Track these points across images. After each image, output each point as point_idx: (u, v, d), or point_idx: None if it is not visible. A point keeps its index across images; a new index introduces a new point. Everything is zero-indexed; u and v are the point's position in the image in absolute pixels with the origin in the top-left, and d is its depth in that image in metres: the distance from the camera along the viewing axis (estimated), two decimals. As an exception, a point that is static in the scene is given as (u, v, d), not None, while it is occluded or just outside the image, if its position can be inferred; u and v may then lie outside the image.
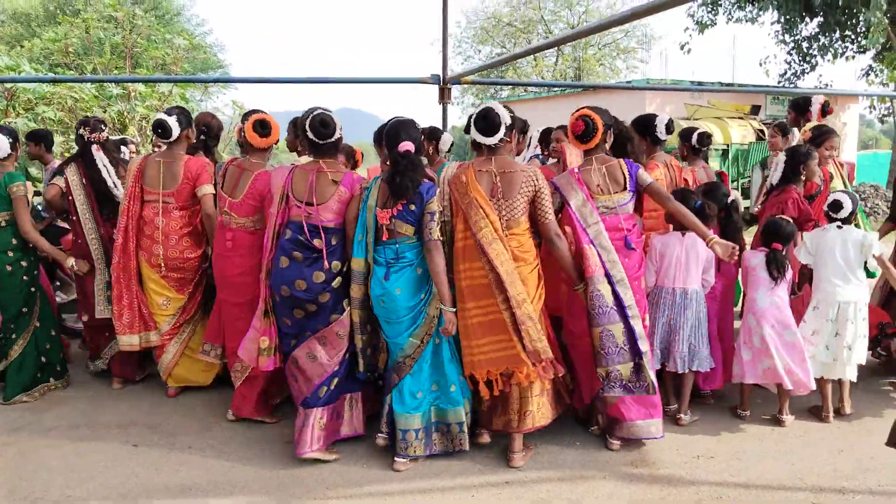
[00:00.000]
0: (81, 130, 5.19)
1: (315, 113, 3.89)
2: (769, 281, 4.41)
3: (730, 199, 4.69)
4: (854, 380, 4.51)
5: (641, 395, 3.97)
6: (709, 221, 4.35)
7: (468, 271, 3.81)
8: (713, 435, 4.27)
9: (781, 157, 5.01)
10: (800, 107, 5.73)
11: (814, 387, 4.36)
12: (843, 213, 4.48)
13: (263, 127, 4.39)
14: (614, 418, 4.07)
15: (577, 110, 4.12)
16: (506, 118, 3.83)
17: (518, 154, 4.96)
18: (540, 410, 3.92)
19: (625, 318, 3.89)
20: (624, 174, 4.04)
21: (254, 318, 4.09)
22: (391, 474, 3.80)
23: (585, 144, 4.08)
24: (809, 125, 5.60)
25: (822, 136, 5.28)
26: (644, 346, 3.91)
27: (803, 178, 4.95)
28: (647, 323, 4.10)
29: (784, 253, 4.41)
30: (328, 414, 3.93)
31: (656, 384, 3.97)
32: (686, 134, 5.35)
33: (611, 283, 3.90)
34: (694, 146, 5.25)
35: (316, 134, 3.84)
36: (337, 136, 3.91)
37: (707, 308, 4.46)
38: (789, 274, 4.47)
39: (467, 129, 4.06)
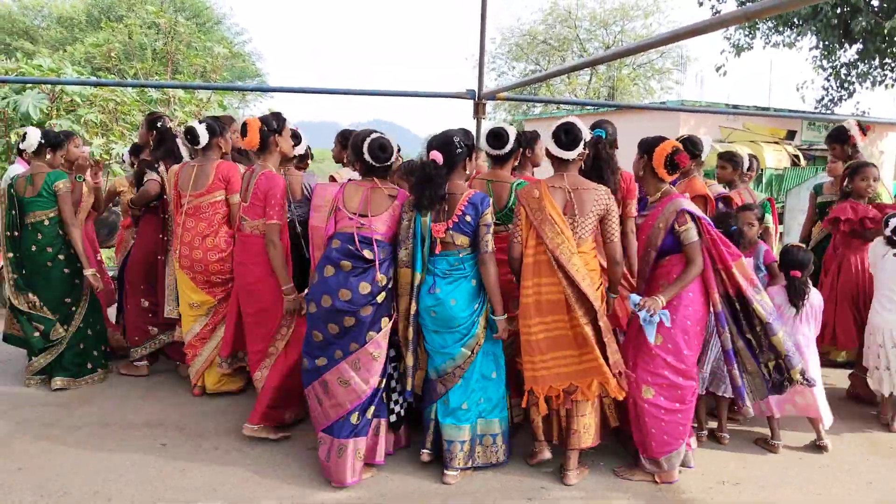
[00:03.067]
0: (165, 123, 5.41)
1: (373, 137, 3.88)
2: (792, 319, 4.27)
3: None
4: None
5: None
6: (741, 245, 4.40)
7: (537, 286, 3.78)
8: (739, 461, 4.23)
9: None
10: (838, 137, 5.67)
11: (824, 416, 4.31)
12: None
13: (242, 130, 4.32)
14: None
15: (661, 140, 3.95)
16: (586, 134, 3.86)
17: (536, 166, 4.97)
18: (587, 432, 3.90)
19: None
20: None
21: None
22: (412, 484, 3.82)
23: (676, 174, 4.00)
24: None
25: None
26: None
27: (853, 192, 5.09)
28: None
29: (804, 280, 4.29)
30: (366, 444, 3.82)
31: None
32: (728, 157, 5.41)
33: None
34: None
35: (374, 158, 3.85)
36: (393, 159, 3.94)
37: None
38: (813, 309, 4.33)
39: (497, 146, 4.19)
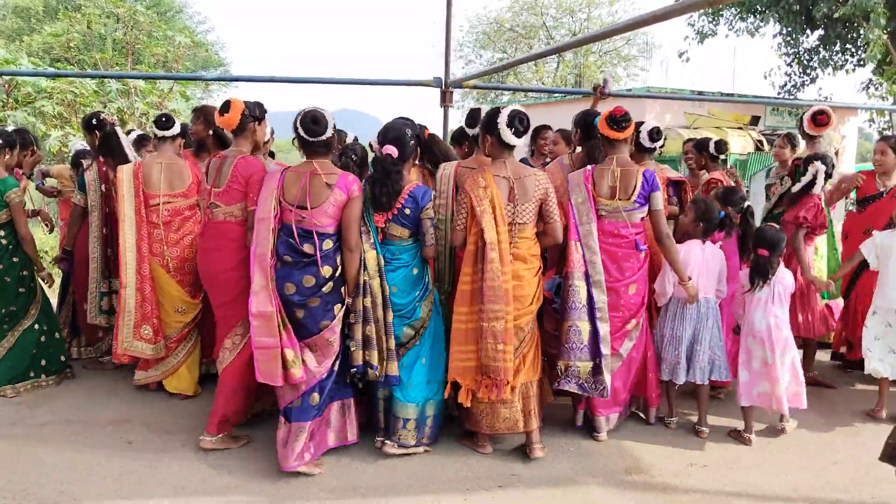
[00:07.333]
0: (103, 117, 5.29)
1: (306, 110, 3.76)
2: (764, 300, 4.26)
3: (746, 204, 4.67)
4: None
5: (595, 396, 4.11)
6: (730, 230, 4.48)
7: (474, 275, 3.82)
8: (707, 444, 4.27)
9: (819, 166, 4.98)
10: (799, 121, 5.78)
11: (804, 405, 4.31)
12: None
13: (222, 108, 4.15)
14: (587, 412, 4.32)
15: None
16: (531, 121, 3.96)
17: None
18: (540, 411, 4.05)
19: (592, 318, 4.06)
20: (637, 184, 4.08)
21: (261, 334, 3.69)
22: (385, 475, 3.80)
23: (622, 133, 4.12)
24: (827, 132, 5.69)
25: None
26: (605, 349, 4.07)
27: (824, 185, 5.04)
28: (666, 332, 4.34)
29: (775, 262, 4.25)
30: (315, 426, 3.83)
31: (609, 388, 4.08)
32: (703, 144, 5.42)
33: (588, 282, 4.06)
34: (712, 154, 5.34)
35: (307, 131, 3.71)
36: (329, 133, 3.75)
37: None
38: (785, 290, 4.31)
39: (470, 124, 4.14)
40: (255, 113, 4.15)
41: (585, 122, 4.60)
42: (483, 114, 4.17)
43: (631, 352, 4.29)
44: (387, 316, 3.81)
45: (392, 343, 3.83)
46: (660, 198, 4.13)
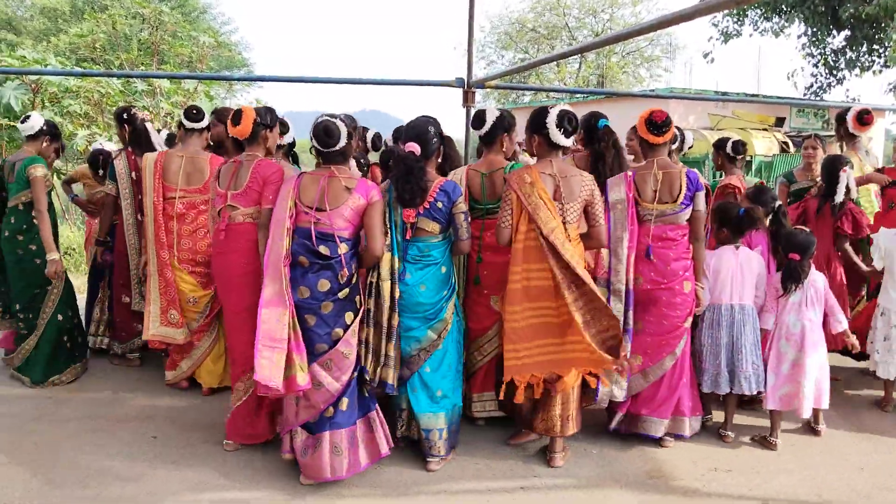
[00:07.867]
0: (134, 111, 5.38)
1: (319, 120, 3.72)
2: (797, 304, 4.22)
3: (777, 204, 4.57)
4: None
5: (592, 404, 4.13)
6: (754, 227, 4.35)
7: (526, 272, 3.75)
8: (731, 448, 4.24)
9: (849, 170, 4.95)
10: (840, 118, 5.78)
11: (806, 415, 4.24)
12: None
13: (234, 117, 4.12)
14: (630, 413, 4.23)
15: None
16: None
17: (511, 154, 4.75)
18: (578, 416, 4.01)
19: None
20: (682, 185, 4.02)
21: (266, 336, 3.51)
22: (405, 474, 3.80)
23: (661, 137, 4.05)
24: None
25: None
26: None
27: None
28: (706, 340, 4.30)
29: (807, 265, 4.20)
30: (347, 438, 3.68)
31: (608, 397, 4.10)
32: (720, 143, 5.36)
33: (609, 289, 4.04)
34: (729, 155, 5.27)
35: (320, 142, 3.68)
36: (343, 143, 3.70)
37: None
38: (817, 292, 4.24)
39: (475, 126, 4.13)
40: (266, 120, 4.14)
41: (589, 124, 4.52)
42: (488, 114, 4.19)
43: (685, 351, 4.20)
44: (392, 319, 3.74)
45: (392, 349, 3.75)
46: (702, 199, 4.07)
